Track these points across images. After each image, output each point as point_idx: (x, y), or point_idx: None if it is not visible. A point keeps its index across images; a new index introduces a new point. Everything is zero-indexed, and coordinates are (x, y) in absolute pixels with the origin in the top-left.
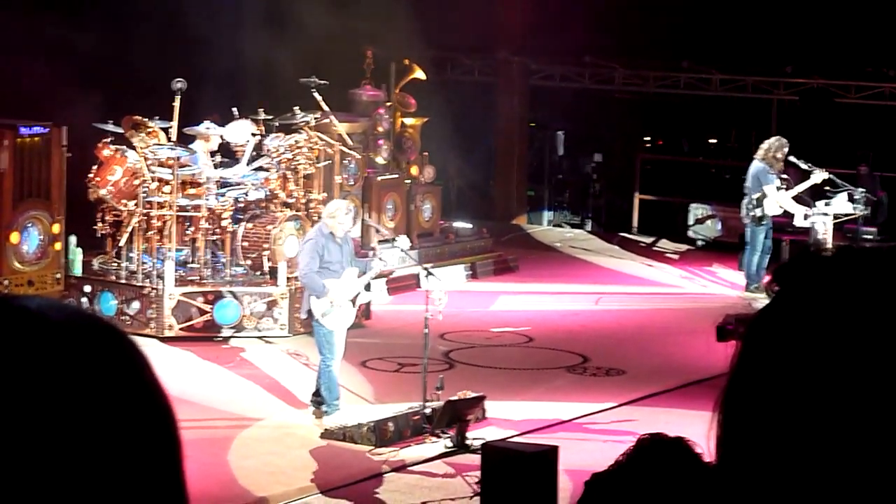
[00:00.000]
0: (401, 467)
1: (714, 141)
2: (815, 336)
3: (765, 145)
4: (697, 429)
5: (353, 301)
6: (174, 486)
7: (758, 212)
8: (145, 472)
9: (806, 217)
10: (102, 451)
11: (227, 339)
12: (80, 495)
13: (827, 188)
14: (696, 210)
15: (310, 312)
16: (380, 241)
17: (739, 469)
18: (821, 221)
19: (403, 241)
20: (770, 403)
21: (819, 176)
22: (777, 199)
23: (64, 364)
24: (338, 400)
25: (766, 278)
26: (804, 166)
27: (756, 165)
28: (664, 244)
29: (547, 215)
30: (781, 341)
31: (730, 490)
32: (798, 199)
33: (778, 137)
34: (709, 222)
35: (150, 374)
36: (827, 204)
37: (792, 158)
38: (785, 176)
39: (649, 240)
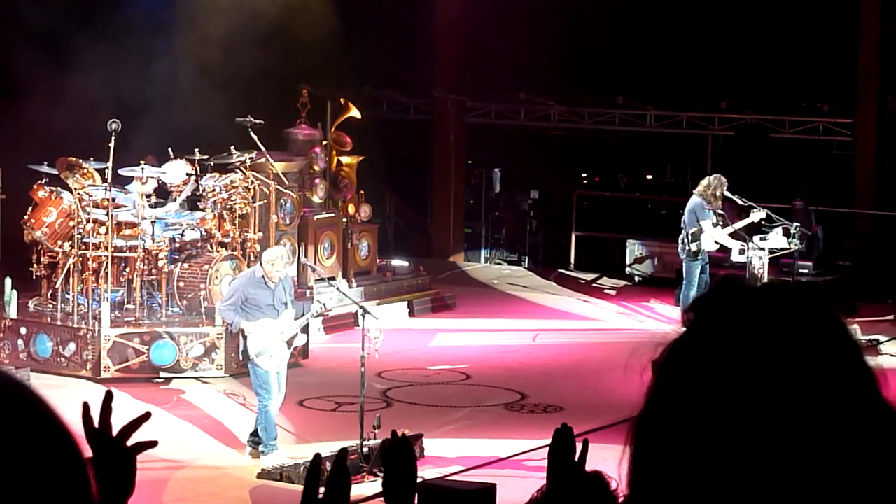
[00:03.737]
0: None
1: (650, 176)
2: (721, 369)
3: (704, 182)
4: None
5: (289, 343)
6: None
7: (693, 247)
8: None
9: (742, 252)
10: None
11: (164, 380)
12: None
13: (763, 223)
14: (633, 248)
15: (245, 353)
16: (317, 281)
17: (647, 500)
18: (757, 256)
19: (341, 281)
20: (677, 434)
21: (757, 215)
22: (713, 235)
23: None
24: (275, 440)
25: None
26: (740, 202)
27: (693, 200)
28: (602, 281)
29: (484, 252)
30: (689, 373)
31: None
32: (734, 234)
33: (717, 175)
34: (647, 262)
35: (52, 422)
36: (762, 238)
37: (728, 194)
38: (721, 212)
39: (587, 276)
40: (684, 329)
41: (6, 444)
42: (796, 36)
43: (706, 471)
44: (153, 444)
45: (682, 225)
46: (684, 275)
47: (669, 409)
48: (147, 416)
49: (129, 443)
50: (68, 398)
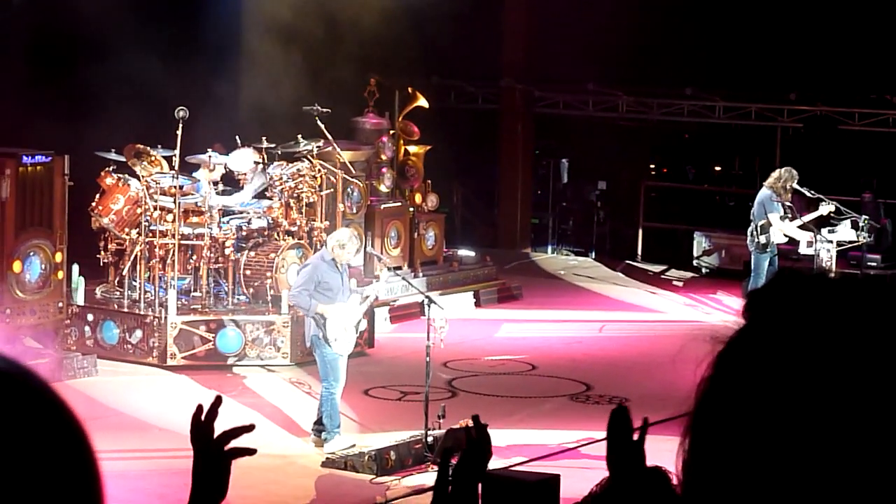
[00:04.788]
0: (402, 496)
1: (719, 168)
2: (782, 365)
3: (775, 174)
4: None
5: (356, 328)
6: None
7: (762, 239)
8: None
9: (810, 245)
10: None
11: (229, 367)
12: None
13: (831, 216)
14: (701, 240)
15: (312, 340)
16: (384, 270)
17: (704, 497)
18: (825, 249)
19: (407, 271)
20: (732, 431)
21: (826, 208)
22: (781, 228)
23: None
24: (339, 428)
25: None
26: (809, 194)
27: (763, 192)
28: (669, 272)
29: (551, 243)
30: (745, 369)
31: None
32: (803, 226)
33: (788, 168)
34: (714, 254)
35: (64, 423)
36: (831, 231)
37: (797, 186)
38: (789, 205)
39: (655, 268)
40: (742, 322)
41: (7, 436)
42: (866, 27)
43: (759, 469)
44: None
45: (752, 217)
46: (753, 267)
47: (725, 405)
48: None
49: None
50: (136, 385)
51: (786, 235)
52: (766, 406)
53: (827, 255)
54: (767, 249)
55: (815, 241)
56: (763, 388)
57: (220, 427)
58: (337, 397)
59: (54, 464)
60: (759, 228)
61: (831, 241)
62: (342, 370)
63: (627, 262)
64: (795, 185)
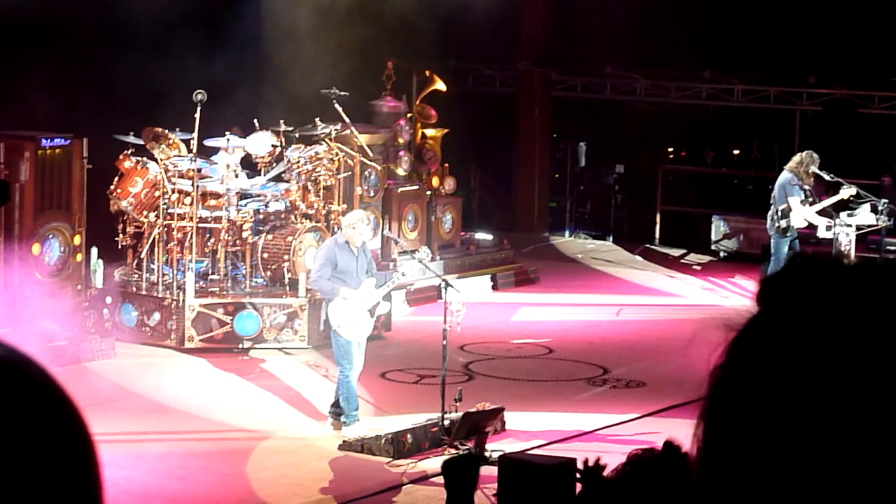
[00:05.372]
0: (419, 479)
1: (737, 152)
2: (795, 352)
3: (797, 158)
4: None
5: (371, 312)
6: None
7: (782, 223)
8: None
9: (829, 229)
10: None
11: (246, 350)
12: None
13: (851, 199)
14: (719, 224)
15: (328, 323)
16: (400, 253)
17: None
18: (844, 233)
19: (424, 252)
20: (749, 420)
21: (846, 192)
22: (801, 212)
23: None
24: (356, 411)
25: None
26: (828, 178)
27: (784, 176)
28: (688, 256)
29: (569, 227)
30: (761, 357)
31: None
32: (822, 211)
33: (809, 152)
34: (732, 237)
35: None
36: (850, 215)
37: (816, 170)
38: (809, 188)
39: (673, 252)
40: (756, 309)
41: (3, 428)
42: (886, 10)
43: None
44: None
45: (772, 201)
46: (772, 250)
47: (737, 393)
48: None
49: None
50: (154, 367)
51: (805, 220)
52: (779, 394)
53: (846, 239)
54: (788, 234)
55: (835, 225)
56: (776, 376)
57: (242, 409)
58: (353, 381)
59: (50, 455)
60: (779, 213)
61: (850, 225)
62: (356, 354)
63: (645, 245)
64: (815, 169)
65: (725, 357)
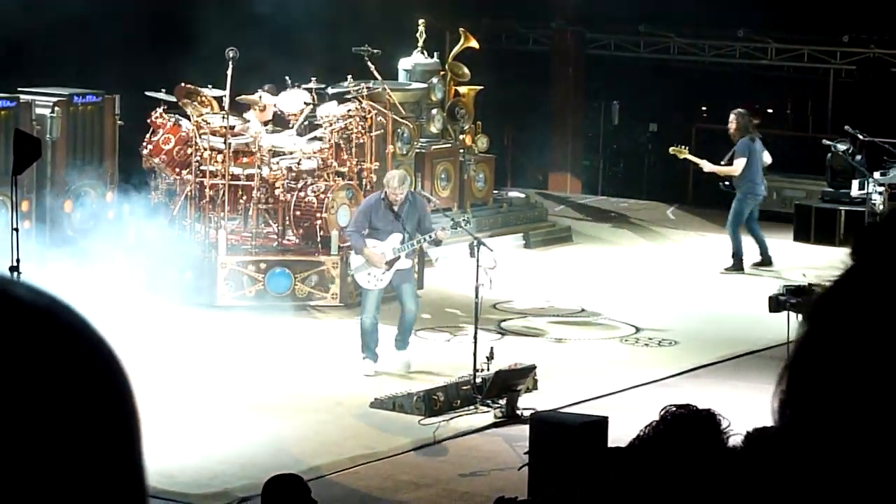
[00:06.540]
0: (451, 437)
1: (771, 111)
2: (891, 304)
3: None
4: (746, 400)
5: (390, 265)
6: (129, 477)
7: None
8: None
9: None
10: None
11: (278, 308)
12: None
13: (884, 160)
14: None
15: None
16: (432, 211)
17: (804, 438)
18: (876, 192)
19: (461, 217)
20: (839, 374)
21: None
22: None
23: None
24: (372, 354)
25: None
26: (861, 137)
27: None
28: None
29: (601, 185)
30: (855, 310)
31: (794, 456)
32: (855, 169)
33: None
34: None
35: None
36: (883, 174)
37: (847, 128)
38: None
39: (705, 211)
40: (850, 263)
41: (38, 379)
42: None
43: (864, 413)
44: None
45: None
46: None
47: (829, 346)
48: None
49: None
50: (186, 325)
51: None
52: (873, 347)
53: (879, 199)
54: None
55: (867, 183)
56: (871, 329)
57: (275, 367)
58: (365, 325)
59: (89, 410)
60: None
61: (883, 185)
62: (371, 301)
63: (678, 204)
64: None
65: (816, 308)
